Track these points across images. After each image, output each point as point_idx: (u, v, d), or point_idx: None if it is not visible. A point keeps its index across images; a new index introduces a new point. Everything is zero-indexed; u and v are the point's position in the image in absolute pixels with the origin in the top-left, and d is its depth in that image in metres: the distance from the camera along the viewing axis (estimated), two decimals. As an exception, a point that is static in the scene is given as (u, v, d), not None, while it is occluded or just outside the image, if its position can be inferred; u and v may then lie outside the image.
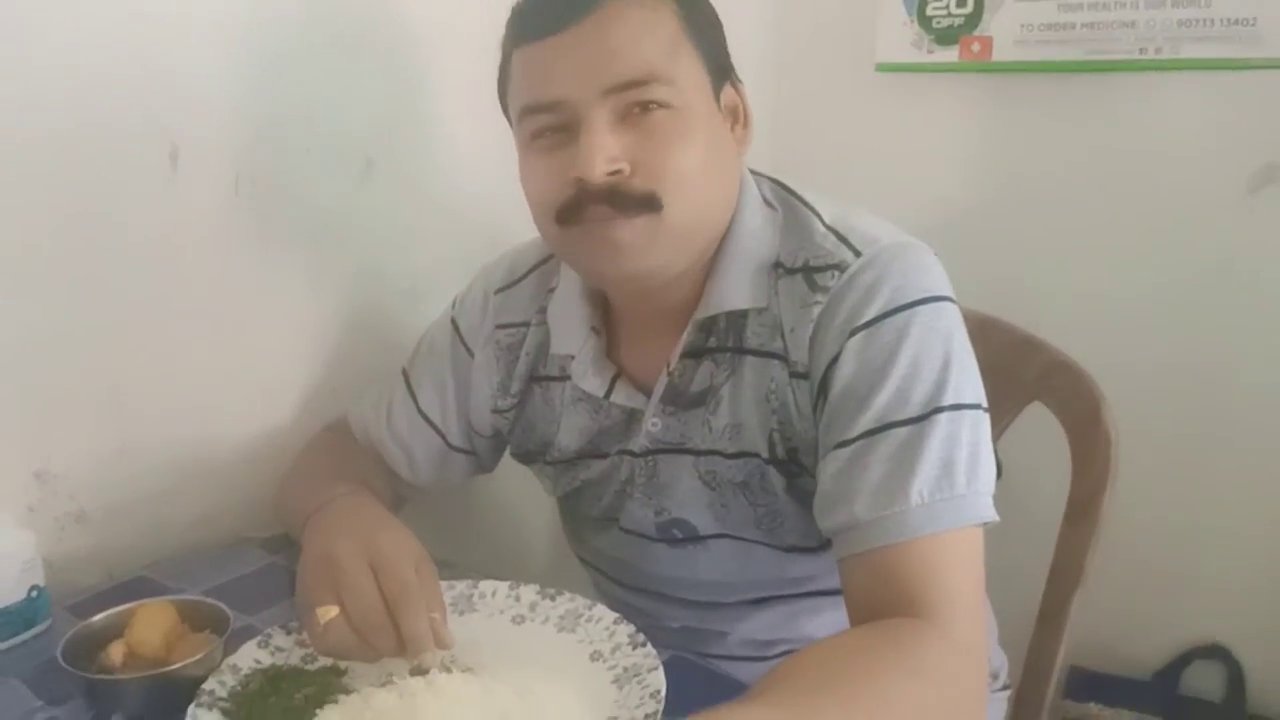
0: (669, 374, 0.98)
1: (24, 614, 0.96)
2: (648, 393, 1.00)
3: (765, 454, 0.95)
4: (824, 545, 0.98)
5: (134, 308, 1.10)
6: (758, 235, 0.96)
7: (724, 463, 0.98)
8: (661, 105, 0.88)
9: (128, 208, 1.08)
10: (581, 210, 0.89)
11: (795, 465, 0.94)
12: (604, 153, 0.87)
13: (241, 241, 1.17)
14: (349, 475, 1.08)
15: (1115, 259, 1.62)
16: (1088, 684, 1.60)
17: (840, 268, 0.91)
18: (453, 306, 1.15)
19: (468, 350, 1.12)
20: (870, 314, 0.88)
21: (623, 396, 1.01)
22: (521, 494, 1.24)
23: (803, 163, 1.64)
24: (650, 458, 1.01)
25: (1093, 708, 1.58)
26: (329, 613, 0.83)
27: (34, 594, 0.97)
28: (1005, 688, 1.18)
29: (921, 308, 0.88)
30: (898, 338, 0.87)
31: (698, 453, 0.99)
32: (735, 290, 0.95)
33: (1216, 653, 1.58)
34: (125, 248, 1.08)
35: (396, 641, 0.83)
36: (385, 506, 1.01)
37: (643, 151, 0.88)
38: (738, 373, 0.96)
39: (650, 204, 0.88)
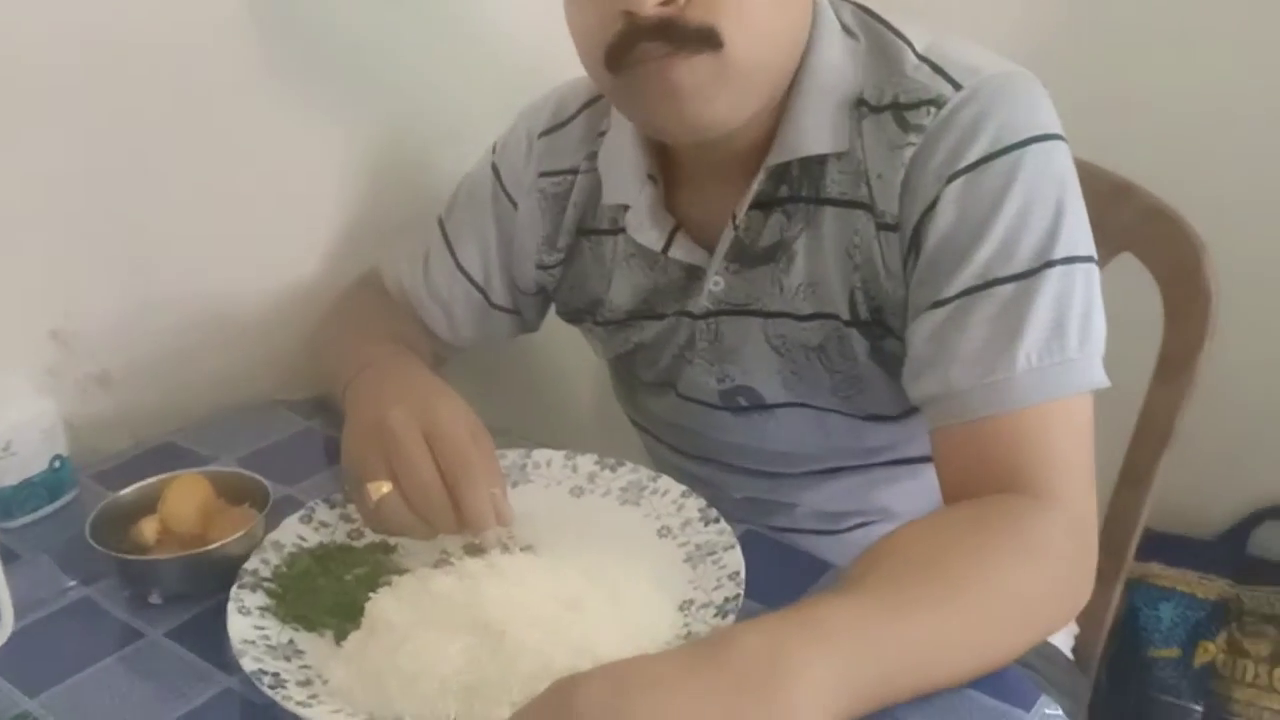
0: (735, 227, 0.88)
1: (48, 484, 0.91)
2: (710, 248, 0.90)
3: (846, 315, 0.86)
4: (906, 413, 0.90)
5: (152, 154, 1.01)
6: (837, 69, 0.84)
7: (797, 325, 0.89)
8: None
9: (146, 43, 0.98)
10: (632, 49, 0.77)
11: (880, 327, 0.85)
12: None
13: (266, 80, 1.07)
14: (388, 334, 1.00)
15: (1220, 93, 1.48)
16: (1151, 543, 1.53)
17: (936, 103, 0.79)
18: (493, 151, 1.04)
19: (510, 200, 1.02)
20: (972, 156, 0.77)
21: (682, 251, 0.91)
22: (568, 352, 1.16)
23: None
24: (712, 320, 0.92)
25: (1155, 567, 1.53)
26: (382, 488, 0.76)
27: (57, 463, 0.91)
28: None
29: (1032, 147, 0.77)
30: (1005, 182, 0.77)
31: (767, 315, 0.90)
32: (813, 132, 0.83)
33: (1289, 513, 1.53)
34: (142, 89, 0.99)
35: (455, 518, 0.76)
36: (428, 368, 0.93)
37: None
38: (815, 225, 0.86)
39: (709, 39, 0.76)
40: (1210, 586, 1.50)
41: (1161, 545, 1.54)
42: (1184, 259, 1.07)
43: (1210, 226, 1.07)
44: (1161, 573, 1.52)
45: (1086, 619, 1.11)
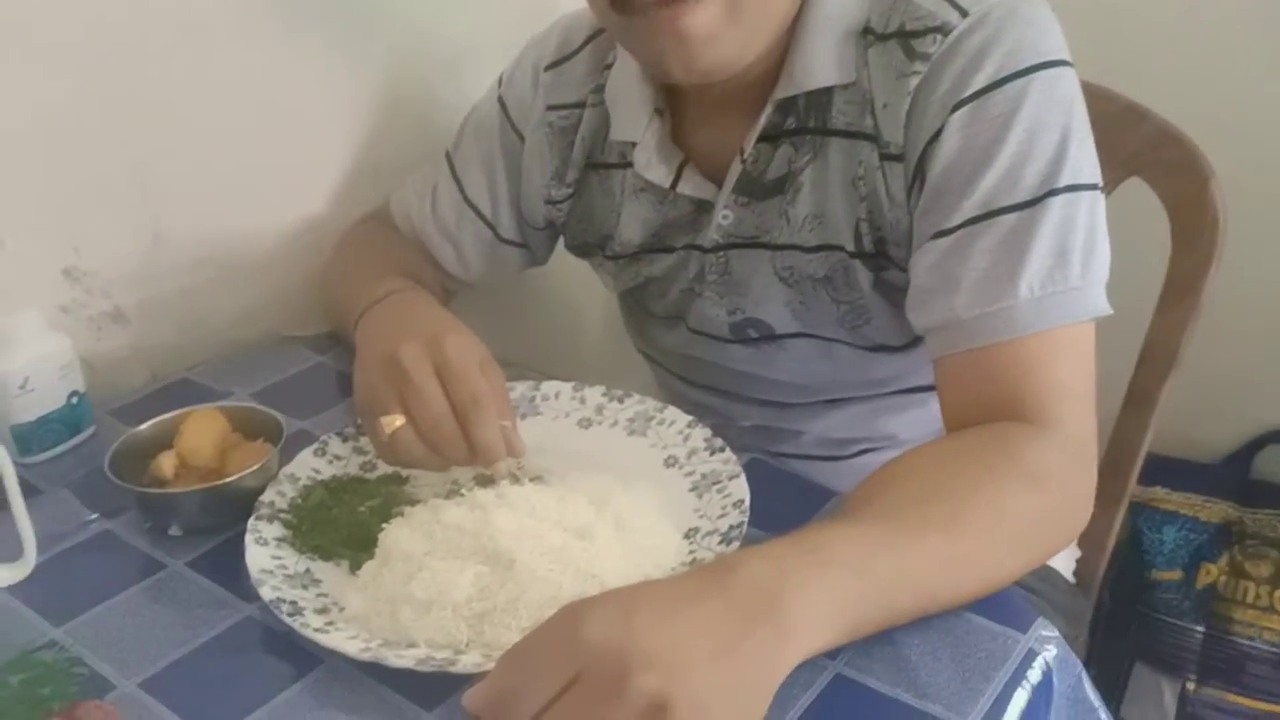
0: (743, 161, 0.88)
1: (66, 420, 0.92)
2: (718, 181, 0.90)
3: (851, 247, 0.86)
4: (911, 343, 0.91)
5: (159, 92, 1.01)
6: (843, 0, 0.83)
7: (803, 257, 0.89)
8: None
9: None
10: None
11: (883, 259, 0.86)
12: None
13: (268, 14, 1.06)
14: (397, 269, 1.00)
15: (1234, 20, 1.46)
16: (1155, 468, 1.54)
17: (942, 30, 0.78)
18: (499, 84, 1.04)
19: (517, 134, 1.02)
20: (978, 83, 0.77)
21: (691, 186, 0.91)
22: (576, 285, 1.17)
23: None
24: (721, 253, 0.93)
25: (1159, 491, 1.54)
26: (394, 422, 0.78)
27: (75, 400, 0.93)
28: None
29: (1039, 74, 0.77)
30: (1010, 110, 0.76)
31: (775, 247, 0.90)
32: (819, 64, 0.83)
33: (1293, 437, 1.54)
34: (147, 26, 0.98)
35: (467, 450, 0.78)
36: (438, 303, 0.94)
37: None
38: (821, 156, 0.85)
39: None
40: (1213, 510, 1.51)
41: (1166, 469, 1.56)
42: (1192, 185, 1.06)
43: (1219, 153, 1.06)
44: (1165, 497, 1.54)
45: (1088, 542, 1.13)
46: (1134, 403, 1.13)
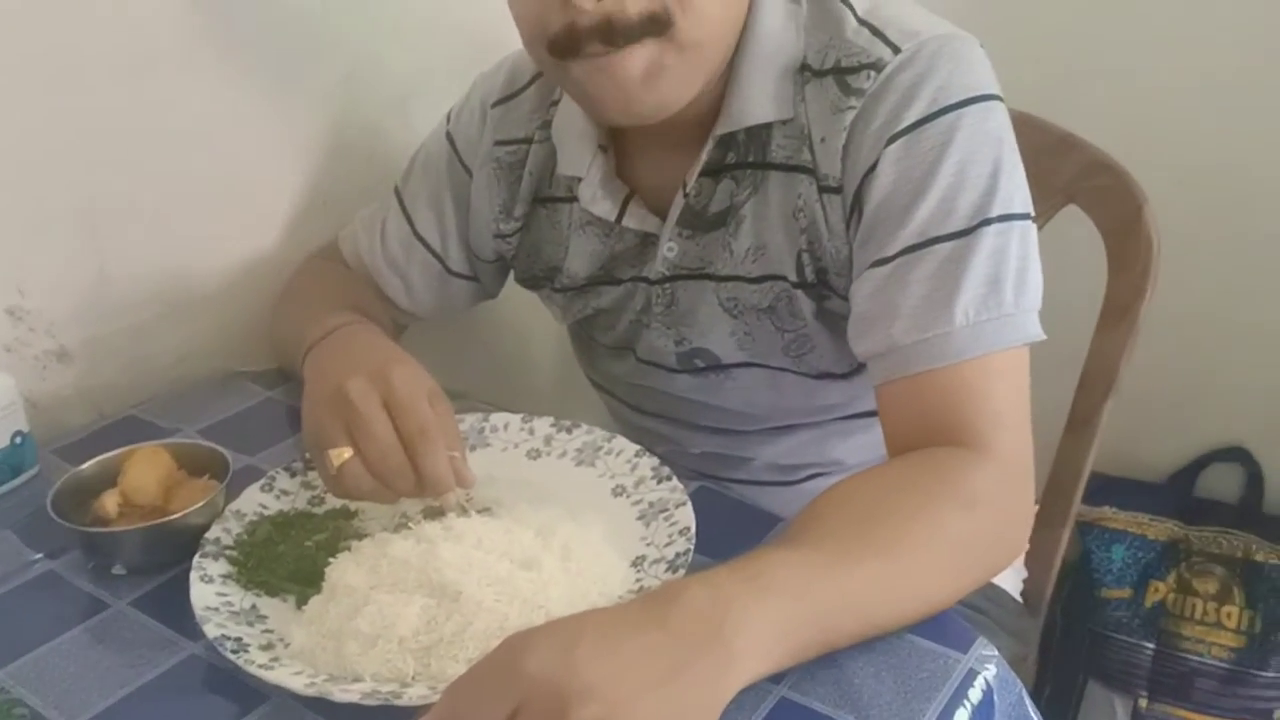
0: (685, 195, 0.89)
1: (9, 461, 0.91)
2: (662, 215, 0.91)
3: (793, 277, 0.88)
4: (856, 370, 0.92)
5: (102, 130, 1.00)
6: (778, 36, 0.85)
7: (747, 288, 0.90)
8: None
9: (91, 17, 0.97)
10: (577, 46, 0.78)
11: (825, 288, 0.87)
12: None
13: (214, 51, 1.07)
14: (346, 304, 1.00)
15: (1159, 51, 1.50)
16: (1103, 488, 1.58)
17: (876, 67, 0.80)
18: (448, 120, 1.05)
19: (465, 169, 1.03)
20: (911, 118, 0.79)
21: (635, 220, 0.92)
22: (526, 316, 1.18)
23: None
24: (667, 285, 0.94)
25: (1107, 511, 1.57)
26: (343, 454, 0.78)
27: (18, 440, 0.92)
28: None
29: (969, 108, 0.79)
30: (942, 143, 0.78)
31: (718, 278, 0.91)
32: (758, 101, 0.84)
33: (1235, 455, 1.57)
34: (90, 65, 0.98)
35: (415, 482, 0.78)
36: (387, 336, 0.94)
37: None
38: (761, 190, 0.87)
39: (655, 24, 0.77)
40: (1160, 528, 1.54)
41: (1114, 489, 1.59)
42: (1126, 211, 1.09)
43: (1153, 180, 1.09)
44: (1114, 516, 1.57)
45: (1035, 561, 1.15)
46: (1076, 425, 1.15)
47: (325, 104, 1.18)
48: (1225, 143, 1.49)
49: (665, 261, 0.93)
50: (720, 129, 0.86)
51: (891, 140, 0.79)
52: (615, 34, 0.76)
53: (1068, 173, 1.13)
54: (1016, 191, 0.80)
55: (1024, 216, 0.80)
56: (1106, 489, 1.59)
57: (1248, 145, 1.49)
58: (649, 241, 0.93)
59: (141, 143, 1.04)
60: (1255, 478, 1.56)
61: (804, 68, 0.84)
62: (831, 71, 0.82)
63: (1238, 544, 1.49)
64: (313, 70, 1.16)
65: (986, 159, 0.78)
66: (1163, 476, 1.63)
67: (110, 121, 1.01)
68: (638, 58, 0.77)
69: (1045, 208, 1.15)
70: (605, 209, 0.92)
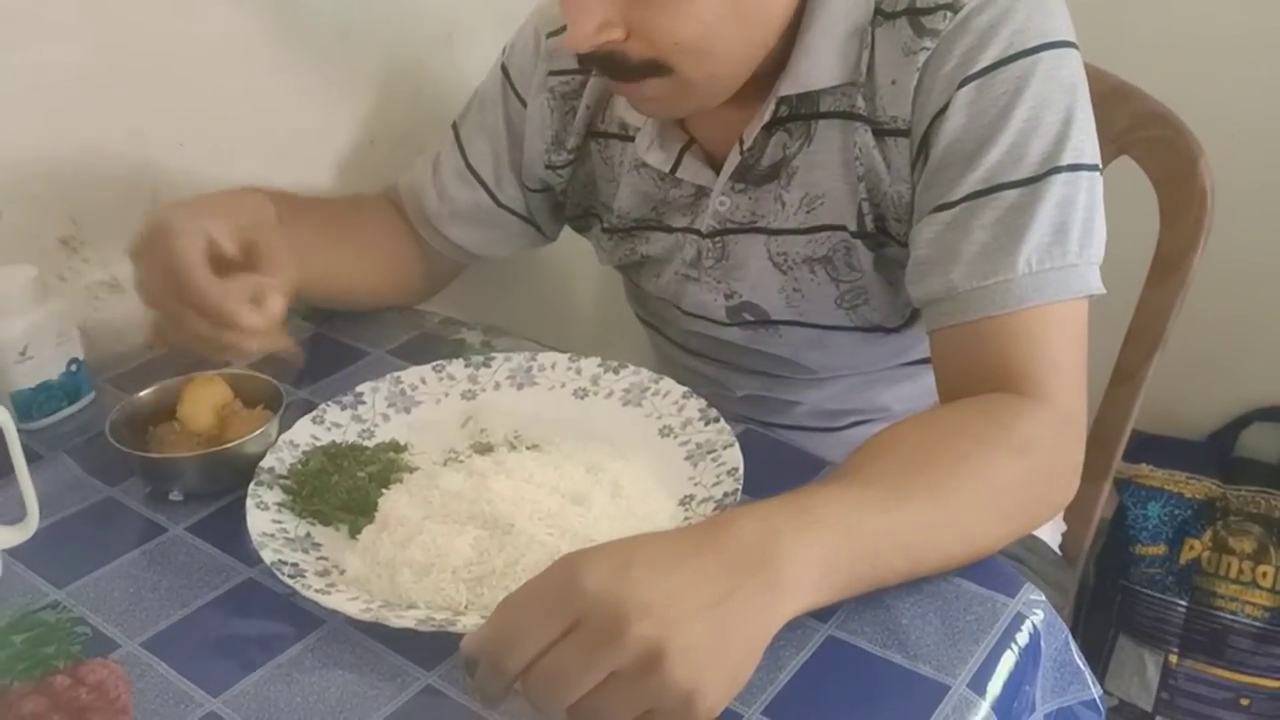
0: (742, 152, 0.88)
1: (65, 388, 0.93)
2: (717, 167, 0.91)
3: (853, 226, 0.87)
4: (907, 323, 0.92)
5: (154, 62, 1.01)
6: None
7: (799, 240, 0.90)
8: None
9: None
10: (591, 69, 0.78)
11: (884, 235, 0.86)
12: (588, 20, 0.75)
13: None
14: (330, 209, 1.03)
15: (1216, 1, 1.47)
16: (1141, 445, 1.58)
17: (952, 8, 0.79)
18: (504, 53, 1.04)
19: (519, 99, 1.02)
20: (985, 60, 0.77)
21: (690, 172, 0.92)
22: (570, 255, 1.17)
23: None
24: (718, 238, 0.93)
25: (1144, 468, 1.57)
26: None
27: (73, 367, 0.93)
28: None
29: (1045, 54, 0.77)
30: (1016, 88, 0.77)
31: (769, 232, 0.91)
32: (824, 64, 0.83)
33: (1277, 414, 1.55)
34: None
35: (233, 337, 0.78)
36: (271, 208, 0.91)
37: (638, 14, 0.75)
38: (812, 139, 0.86)
39: (656, 70, 0.77)
40: (1198, 486, 1.53)
41: (1152, 446, 1.58)
42: (1180, 162, 1.08)
43: (1207, 131, 1.07)
44: (1151, 473, 1.56)
45: (1074, 515, 1.15)
46: (1120, 379, 1.14)
47: (373, 40, 1.18)
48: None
49: (716, 215, 0.92)
50: (785, 89, 0.84)
51: (965, 83, 0.78)
52: (617, 69, 0.78)
53: (1121, 123, 1.11)
54: (1087, 142, 0.78)
55: (1093, 167, 0.79)
56: (1144, 446, 1.58)
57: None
58: (701, 193, 0.93)
59: (192, 79, 1.04)
60: (1297, 437, 1.55)
61: (877, 12, 0.82)
62: (905, 12, 0.81)
63: (1276, 504, 1.48)
64: (356, 10, 1.16)
65: (1060, 106, 0.77)
66: (1203, 435, 1.62)
67: (160, 58, 1.01)
68: (646, 88, 0.79)
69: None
70: (660, 159, 0.92)
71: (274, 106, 1.11)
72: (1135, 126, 1.10)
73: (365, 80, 1.18)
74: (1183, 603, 1.51)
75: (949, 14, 0.79)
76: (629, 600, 0.53)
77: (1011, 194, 0.77)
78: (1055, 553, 1.10)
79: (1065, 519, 1.15)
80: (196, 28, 1.03)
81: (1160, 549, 1.52)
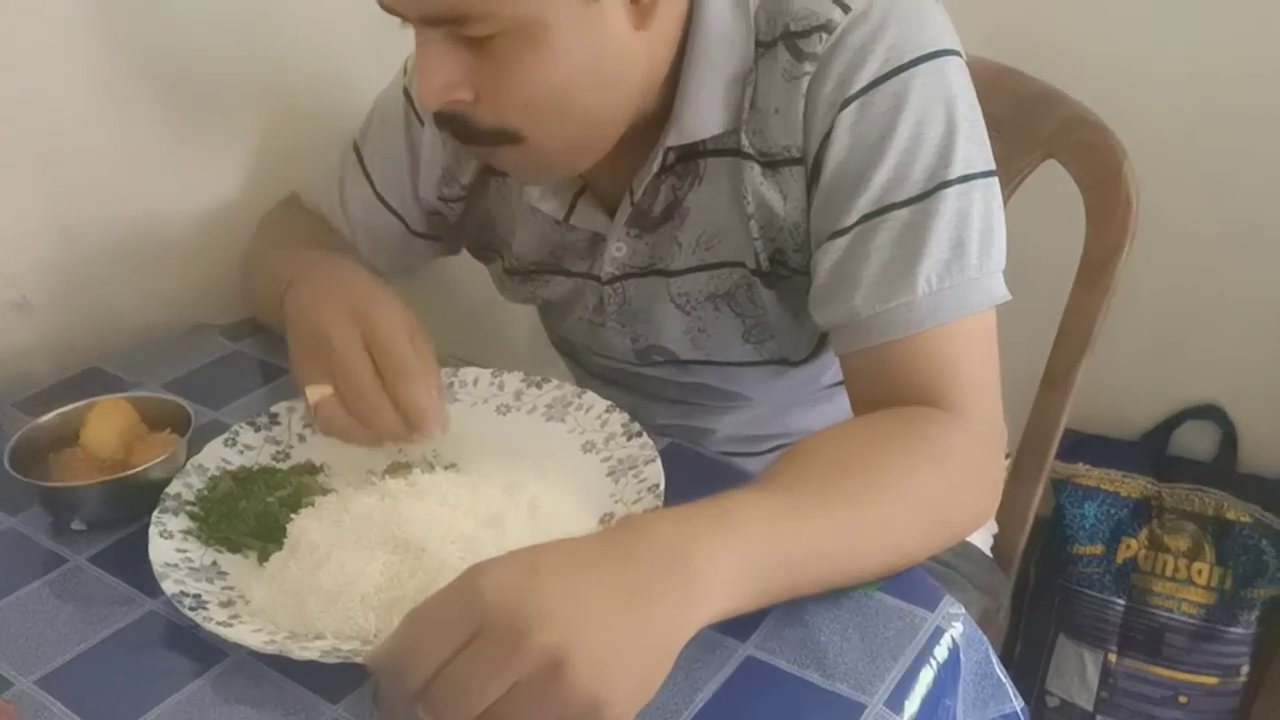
0: (633, 200, 0.87)
1: (-32, 414, 0.90)
2: (611, 211, 0.89)
3: (750, 264, 0.86)
4: (815, 354, 0.92)
5: (65, 77, 0.98)
6: (726, 35, 0.80)
7: (700, 278, 0.89)
8: (496, 33, 0.71)
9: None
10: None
11: (784, 269, 0.85)
12: (435, 79, 0.73)
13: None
14: (318, 243, 0.99)
15: (1143, 7, 1.48)
16: (1077, 445, 1.59)
17: (826, 28, 0.77)
18: (404, 71, 1.01)
19: (419, 119, 0.99)
20: (863, 80, 0.76)
21: (584, 219, 0.90)
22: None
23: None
24: (618, 284, 0.92)
25: (1081, 468, 1.58)
26: (321, 392, 0.78)
27: (-23, 392, 0.90)
28: (1005, 457, 1.14)
29: (921, 66, 0.76)
30: (895, 105, 0.76)
31: (669, 273, 0.90)
32: (707, 112, 0.81)
33: (1209, 413, 1.57)
34: (52, 4, 0.96)
35: (395, 418, 0.78)
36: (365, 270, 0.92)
37: (485, 80, 0.73)
38: (703, 178, 0.85)
39: (505, 138, 0.76)
40: (1133, 485, 1.55)
41: (1087, 446, 1.59)
42: (1106, 167, 1.08)
43: (1133, 137, 1.08)
44: (1087, 473, 1.57)
45: (1007, 517, 1.15)
46: (1051, 382, 1.14)
47: (291, 53, 1.16)
48: (1207, 101, 1.47)
49: (614, 261, 0.91)
50: (671, 141, 0.83)
51: (845, 104, 0.77)
52: (465, 133, 0.77)
53: (1048, 127, 1.11)
54: (976, 149, 0.77)
55: (986, 174, 0.77)
56: (1081, 446, 1.59)
57: (1228, 107, 1.47)
58: (598, 239, 0.91)
59: (101, 93, 1.01)
60: (1229, 436, 1.57)
61: (756, 44, 0.80)
62: (781, 37, 0.79)
63: (1210, 501, 1.50)
64: (280, 18, 1.13)
65: (941, 118, 0.76)
66: (1137, 434, 1.63)
67: (69, 73, 0.99)
68: (500, 155, 0.78)
69: (1025, 162, 1.14)
70: (553, 206, 0.90)
71: (190, 121, 1.09)
72: (1062, 131, 1.11)
73: (286, 93, 1.16)
74: (1121, 601, 1.52)
75: (824, 35, 0.77)
76: (529, 607, 0.52)
77: (903, 213, 0.76)
78: (987, 556, 1.10)
79: (998, 521, 1.15)
80: (102, 36, 1.00)
81: (1097, 549, 1.53)
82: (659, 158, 0.84)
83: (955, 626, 0.68)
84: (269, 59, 1.15)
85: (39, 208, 1.01)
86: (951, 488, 0.72)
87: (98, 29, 0.99)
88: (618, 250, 0.90)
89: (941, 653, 0.67)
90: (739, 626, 0.64)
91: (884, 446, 0.71)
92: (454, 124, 0.77)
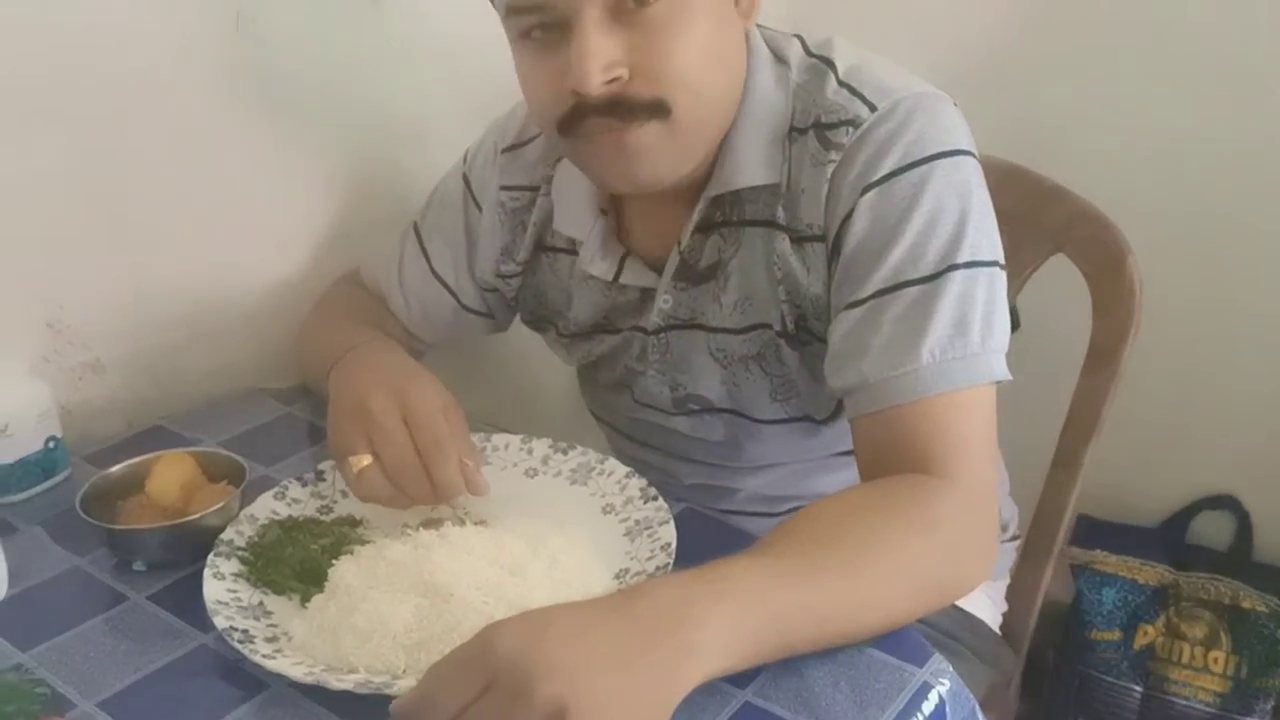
0: (680, 252, 0.95)
1: (42, 464, 0.98)
2: (658, 269, 0.97)
3: (777, 326, 0.93)
4: (835, 415, 0.98)
5: (143, 159, 1.08)
6: (770, 103, 0.90)
7: (735, 339, 0.96)
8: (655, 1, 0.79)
9: (126, 45, 1.04)
10: (584, 122, 0.84)
11: (806, 334, 0.93)
12: (599, 60, 0.79)
13: (245, 82, 1.14)
14: (368, 323, 1.08)
15: (1146, 108, 1.55)
16: (1094, 532, 1.62)
17: (854, 123, 0.86)
18: (464, 160, 1.11)
19: (477, 205, 1.08)
20: (884, 169, 0.85)
21: (632, 276, 0.98)
22: (536, 349, 1.23)
23: (818, 6, 1.57)
24: (662, 334, 1.00)
25: (1098, 554, 1.60)
26: (362, 461, 0.86)
27: (51, 444, 0.98)
28: (1014, 538, 1.19)
29: (939, 162, 0.85)
30: (913, 193, 0.84)
31: (709, 329, 0.97)
32: (749, 166, 0.90)
33: (1225, 502, 1.59)
34: (131, 95, 1.05)
35: (429, 488, 0.85)
36: (406, 353, 1.01)
37: (642, 52, 0.81)
38: (743, 245, 0.93)
39: (658, 110, 0.83)
40: (1151, 573, 1.56)
41: (1106, 533, 1.62)
42: (1110, 259, 1.14)
43: (1136, 229, 1.14)
44: (1105, 559, 1.59)
45: (1017, 596, 1.18)
46: (1060, 464, 1.19)
47: (346, 141, 1.25)
48: (1206, 192, 1.53)
49: (660, 313, 0.98)
50: (712, 190, 0.91)
51: (867, 189, 0.85)
52: (621, 110, 0.82)
53: (1056, 222, 1.18)
54: (984, 240, 0.85)
55: (991, 264, 0.85)
56: (1099, 532, 1.62)
57: (1228, 195, 1.52)
58: (646, 295, 0.99)
59: (176, 175, 1.10)
60: (1244, 526, 1.59)
61: (791, 129, 0.90)
62: (813, 127, 0.88)
63: (1226, 590, 1.51)
64: (338, 107, 1.23)
65: (954, 209, 0.84)
66: (1155, 521, 1.66)
67: (147, 154, 1.08)
68: (641, 133, 0.83)
69: (1034, 255, 1.20)
70: (603, 269, 0.98)
71: (256, 202, 1.18)
72: (1069, 225, 1.17)
73: (342, 177, 1.25)
74: (1138, 688, 1.53)
75: (851, 129, 0.86)
76: (538, 661, 0.58)
77: (913, 290, 0.83)
78: (993, 631, 1.13)
79: (1008, 599, 1.18)
80: (180, 130, 1.09)
81: (1115, 634, 1.55)
82: (701, 207, 0.92)
83: (942, 683, 0.73)
84: (341, 145, 1.25)
85: (114, 279, 1.10)
86: (942, 553, 0.77)
87: (183, 95, 1.09)
88: (664, 302, 0.98)
89: (928, 707, 0.71)
90: (739, 674, 0.69)
91: (877, 514, 0.77)
92: (609, 107, 0.82)
